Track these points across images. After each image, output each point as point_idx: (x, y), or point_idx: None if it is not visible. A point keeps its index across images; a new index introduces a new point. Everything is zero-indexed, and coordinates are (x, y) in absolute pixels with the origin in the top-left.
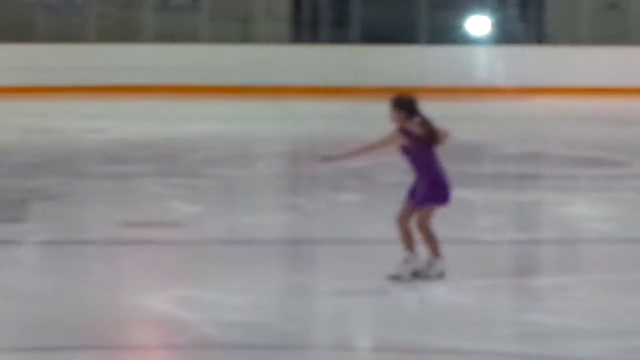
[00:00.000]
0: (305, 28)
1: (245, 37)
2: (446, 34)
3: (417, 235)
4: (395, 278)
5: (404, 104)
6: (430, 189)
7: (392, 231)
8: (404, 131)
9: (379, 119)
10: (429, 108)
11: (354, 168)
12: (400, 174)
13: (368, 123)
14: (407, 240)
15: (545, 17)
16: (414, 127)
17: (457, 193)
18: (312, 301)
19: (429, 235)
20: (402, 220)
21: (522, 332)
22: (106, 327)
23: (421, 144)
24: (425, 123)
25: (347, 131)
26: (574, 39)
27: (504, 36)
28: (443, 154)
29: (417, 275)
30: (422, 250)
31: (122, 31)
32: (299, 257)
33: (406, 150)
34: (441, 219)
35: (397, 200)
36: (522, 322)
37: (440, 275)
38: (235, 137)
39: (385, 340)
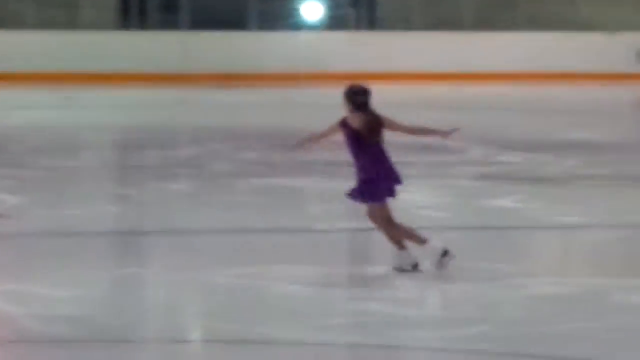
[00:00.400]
0: (133, 14)
1: (71, 23)
2: (277, 19)
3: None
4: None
5: (349, 96)
6: (359, 186)
7: (222, 221)
8: (343, 123)
9: (209, 106)
10: (261, 94)
11: (183, 157)
12: (231, 163)
13: (198, 110)
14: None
15: (377, 1)
16: (354, 120)
17: (289, 181)
18: (140, 293)
19: (384, 230)
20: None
21: (357, 321)
22: None
23: (352, 139)
24: (364, 117)
25: (177, 119)
26: (406, 24)
27: (335, 21)
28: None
29: (415, 267)
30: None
31: None
32: (128, 249)
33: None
34: (274, 209)
35: (227, 189)
36: (357, 311)
37: (415, 268)
38: (62, 126)
39: (216, 332)
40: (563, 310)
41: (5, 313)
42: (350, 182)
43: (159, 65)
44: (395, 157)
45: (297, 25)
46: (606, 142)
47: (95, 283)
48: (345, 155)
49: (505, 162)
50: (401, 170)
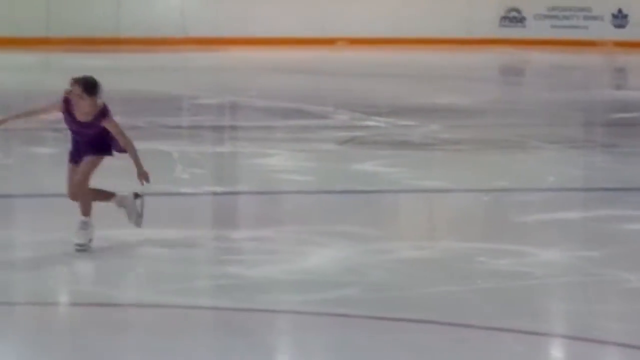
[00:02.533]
0: None
1: None
2: None
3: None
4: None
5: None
6: None
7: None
8: (66, 100)
9: (70, 70)
10: (124, 59)
11: (47, 121)
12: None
13: (59, 74)
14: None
15: None
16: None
17: (153, 145)
18: (7, 255)
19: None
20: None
21: (220, 285)
22: None
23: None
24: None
25: (37, 83)
26: None
27: None
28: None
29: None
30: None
31: None
32: None
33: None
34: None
35: None
36: (219, 274)
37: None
38: None
39: (79, 295)
40: (428, 274)
41: None
42: (216, 146)
43: (19, 30)
44: (258, 121)
45: None
46: (470, 107)
47: None
48: (210, 119)
49: (370, 126)
50: (265, 134)
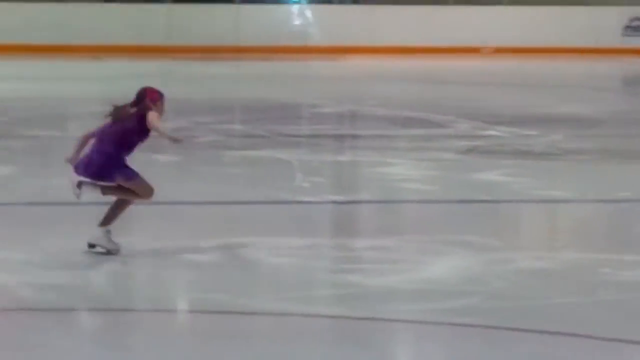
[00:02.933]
0: None
1: None
2: None
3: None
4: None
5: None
6: None
7: (207, 193)
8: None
9: (191, 78)
10: (245, 68)
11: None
12: (216, 135)
13: (182, 82)
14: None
15: None
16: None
17: (273, 154)
18: (129, 263)
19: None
20: None
21: (341, 294)
22: None
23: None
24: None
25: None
26: None
27: None
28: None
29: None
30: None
31: None
32: None
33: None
34: (260, 181)
35: (212, 161)
36: (341, 283)
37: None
38: (48, 97)
39: (202, 302)
40: (550, 284)
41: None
42: (336, 155)
43: (142, 38)
44: (379, 130)
45: None
46: (593, 117)
47: (84, 252)
48: (331, 128)
49: (491, 136)
50: (385, 143)
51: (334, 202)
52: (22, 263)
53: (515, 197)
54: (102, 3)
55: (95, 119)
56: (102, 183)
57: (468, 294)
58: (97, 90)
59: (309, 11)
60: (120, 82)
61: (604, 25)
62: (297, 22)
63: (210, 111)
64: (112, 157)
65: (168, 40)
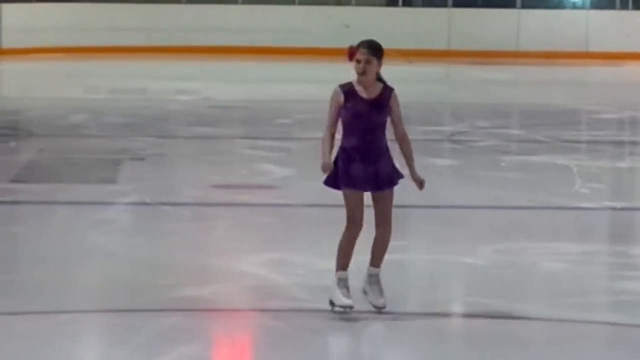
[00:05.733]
0: None
1: (339, 0)
2: None
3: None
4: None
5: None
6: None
7: (486, 197)
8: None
9: (470, 82)
10: (524, 73)
11: (447, 133)
12: (495, 140)
13: (459, 86)
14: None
15: None
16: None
17: (552, 159)
18: (405, 266)
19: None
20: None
21: (618, 300)
22: (196, 289)
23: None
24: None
25: (438, 94)
26: None
27: (600, 1)
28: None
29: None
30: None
31: None
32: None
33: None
34: (538, 186)
35: (491, 166)
36: (618, 290)
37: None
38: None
39: (478, 306)
40: None
41: (274, 283)
42: (616, 161)
43: (422, 42)
44: None
45: (561, 3)
46: None
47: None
48: (611, 134)
49: None
50: None
51: (613, 208)
52: (296, 264)
53: None
54: (383, 7)
55: None
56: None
57: None
58: None
59: (590, 16)
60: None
61: None
62: (578, 27)
63: (489, 115)
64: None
65: (448, 45)
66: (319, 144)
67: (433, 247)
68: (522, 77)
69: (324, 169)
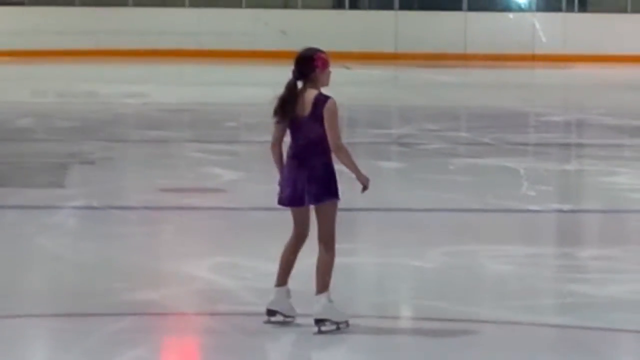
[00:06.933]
0: None
1: (286, 3)
2: (489, 1)
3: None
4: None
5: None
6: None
7: (434, 200)
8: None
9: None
10: (471, 75)
11: (395, 135)
12: (442, 143)
13: (407, 89)
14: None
15: None
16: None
17: (500, 162)
18: (352, 270)
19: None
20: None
21: (566, 303)
22: (144, 293)
23: None
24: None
25: (386, 97)
26: (618, 6)
27: (546, 2)
28: (489, 122)
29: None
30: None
31: None
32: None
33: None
34: (486, 189)
35: (439, 168)
36: (565, 293)
37: None
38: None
39: (425, 310)
40: None
41: (223, 286)
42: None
43: (372, 44)
44: (606, 139)
45: (507, 6)
46: None
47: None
48: (558, 136)
49: None
50: (613, 152)
51: (560, 210)
52: (243, 268)
53: None
54: (328, 10)
55: None
56: None
57: None
58: None
59: (535, 19)
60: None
61: None
62: (523, 29)
63: (437, 118)
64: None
65: (395, 48)
66: (348, 157)
67: (381, 250)
68: (470, 80)
69: (367, 184)
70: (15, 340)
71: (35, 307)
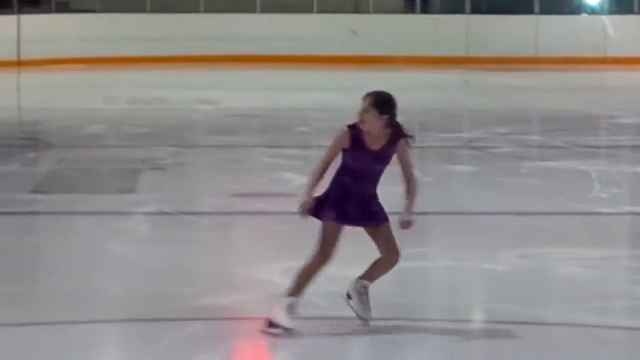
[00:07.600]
0: None
1: (357, 8)
2: (560, 3)
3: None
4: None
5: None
6: None
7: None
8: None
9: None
10: (543, 78)
11: (466, 139)
12: (514, 146)
13: (478, 93)
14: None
15: None
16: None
17: (572, 165)
18: (423, 273)
19: None
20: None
21: (638, 305)
22: (216, 298)
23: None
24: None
25: (456, 101)
26: None
27: (618, 5)
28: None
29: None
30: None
31: (233, 1)
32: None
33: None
34: (558, 192)
35: (511, 172)
36: (638, 295)
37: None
38: (344, 107)
39: (496, 313)
40: None
41: None
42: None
43: (439, 49)
44: None
45: (579, 9)
46: None
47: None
48: (630, 138)
49: None
50: None
51: (632, 213)
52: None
53: None
54: (398, 15)
55: None
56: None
57: None
58: None
59: (607, 21)
60: (416, 93)
61: None
62: (595, 32)
63: (508, 122)
64: None
65: (466, 51)
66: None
67: (453, 254)
68: (541, 83)
69: (303, 207)
70: (87, 346)
71: (107, 312)
